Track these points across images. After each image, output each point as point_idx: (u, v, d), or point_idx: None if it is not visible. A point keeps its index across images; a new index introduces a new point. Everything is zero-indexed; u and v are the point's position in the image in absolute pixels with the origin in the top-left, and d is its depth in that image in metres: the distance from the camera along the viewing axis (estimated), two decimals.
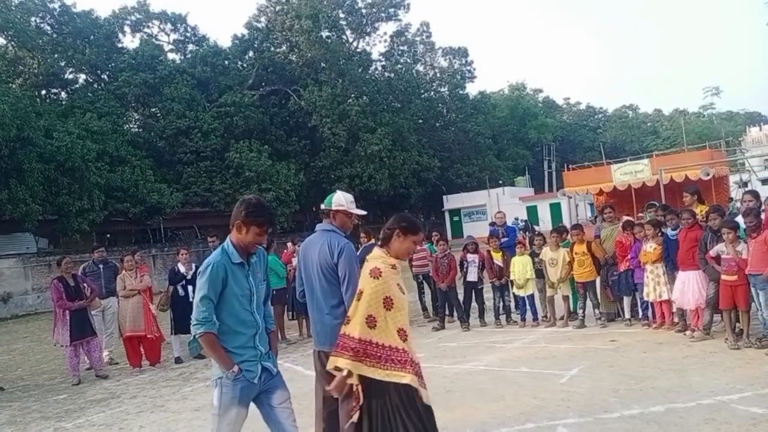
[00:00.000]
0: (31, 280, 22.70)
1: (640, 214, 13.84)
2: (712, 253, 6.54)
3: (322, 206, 4.05)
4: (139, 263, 9.05)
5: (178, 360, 8.82)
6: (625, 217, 9.59)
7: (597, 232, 8.75)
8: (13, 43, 27.87)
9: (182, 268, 9.09)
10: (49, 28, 29.86)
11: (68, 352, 8.09)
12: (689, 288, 6.99)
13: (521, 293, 8.88)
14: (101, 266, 9.40)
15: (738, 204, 12.32)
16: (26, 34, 26.35)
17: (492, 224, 10.95)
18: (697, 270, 6.91)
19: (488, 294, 9.47)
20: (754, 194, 7.27)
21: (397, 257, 3.33)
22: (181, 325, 8.89)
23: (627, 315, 8.17)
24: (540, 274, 8.75)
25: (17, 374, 9.43)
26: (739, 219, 6.86)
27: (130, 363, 8.62)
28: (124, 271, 8.80)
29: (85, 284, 8.47)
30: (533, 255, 8.96)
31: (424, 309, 10.68)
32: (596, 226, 9.61)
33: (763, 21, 30.73)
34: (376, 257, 3.30)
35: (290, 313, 10.03)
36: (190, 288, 8.96)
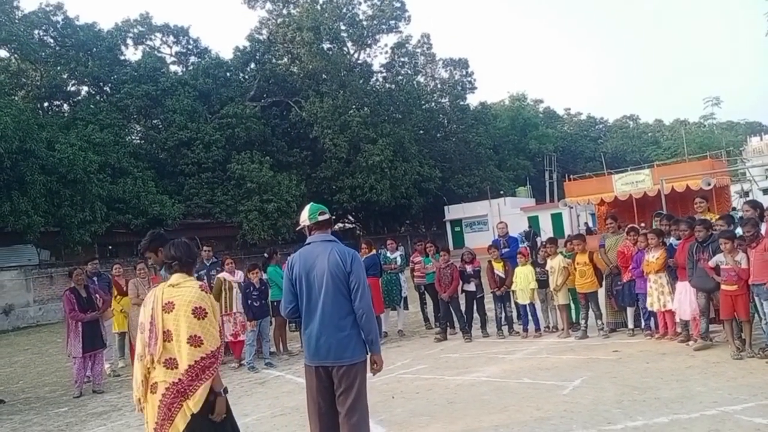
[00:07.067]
0: (33, 292, 22.69)
1: (642, 224, 13.82)
2: (711, 263, 6.54)
3: (319, 219, 3.96)
4: (120, 273, 9.75)
5: None
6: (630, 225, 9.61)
7: (602, 242, 8.78)
8: (16, 55, 28.06)
9: None
10: (52, 40, 30.04)
11: (77, 364, 8.02)
12: (686, 298, 7.01)
13: (521, 302, 8.89)
14: (95, 279, 9.31)
15: (739, 213, 12.34)
16: (29, 46, 26.50)
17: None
18: None
19: (490, 305, 9.46)
20: (753, 204, 7.27)
21: None
22: None
23: (630, 325, 8.17)
24: (543, 284, 8.78)
25: (18, 387, 9.40)
26: (739, 230, 6.87)
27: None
28: (137, 278, 8.96)
29: (97, 295, 8.43)
30: (535, 265, 8.99)
31: (426, 320, 10.68)
32: (601, 236, 9.67)
33: (762, 31, 30.86)
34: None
35: (292, 324, 10.03)
36: None
